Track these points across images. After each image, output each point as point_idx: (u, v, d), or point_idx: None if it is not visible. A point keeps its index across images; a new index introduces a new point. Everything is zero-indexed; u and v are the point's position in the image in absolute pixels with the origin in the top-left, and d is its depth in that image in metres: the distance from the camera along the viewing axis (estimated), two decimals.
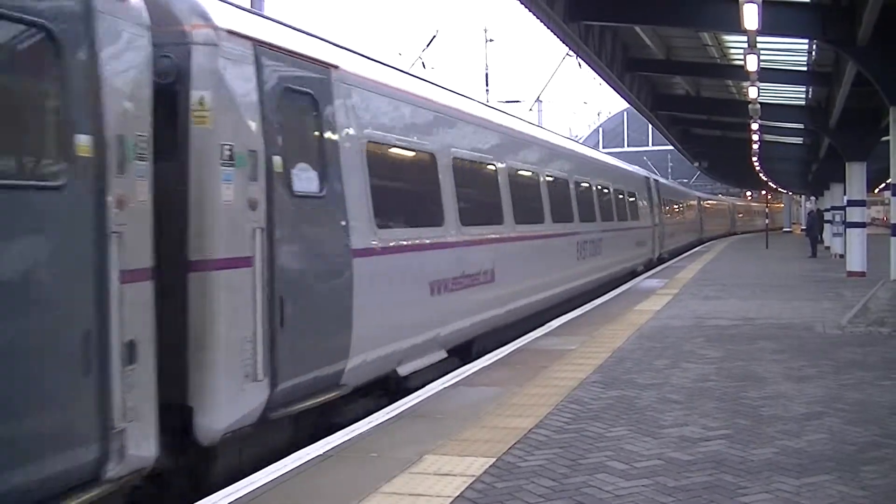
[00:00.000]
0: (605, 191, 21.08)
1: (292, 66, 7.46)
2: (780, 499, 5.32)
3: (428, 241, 10.08)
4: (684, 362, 10.10)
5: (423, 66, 31.43)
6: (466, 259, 11.14)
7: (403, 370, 9.30)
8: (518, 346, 11.61)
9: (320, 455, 6.47)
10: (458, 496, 5.47)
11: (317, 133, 7.82)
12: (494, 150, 13.01)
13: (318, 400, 7.44)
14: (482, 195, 12.69)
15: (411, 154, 10.19)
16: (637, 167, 29.90)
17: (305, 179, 7.45)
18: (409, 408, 8.02)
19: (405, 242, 9.50)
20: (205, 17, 6.46)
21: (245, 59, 6.76)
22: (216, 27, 6.48)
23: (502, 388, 8.76)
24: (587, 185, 19.07)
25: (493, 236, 12.38)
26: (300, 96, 7.57)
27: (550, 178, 15.77)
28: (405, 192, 10.33)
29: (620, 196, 23.21)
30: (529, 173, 14.83)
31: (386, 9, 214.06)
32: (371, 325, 8.28)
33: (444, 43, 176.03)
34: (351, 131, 8.35)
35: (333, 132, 8.00)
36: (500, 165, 13.04)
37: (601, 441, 6.73)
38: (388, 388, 9.11)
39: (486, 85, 61.58)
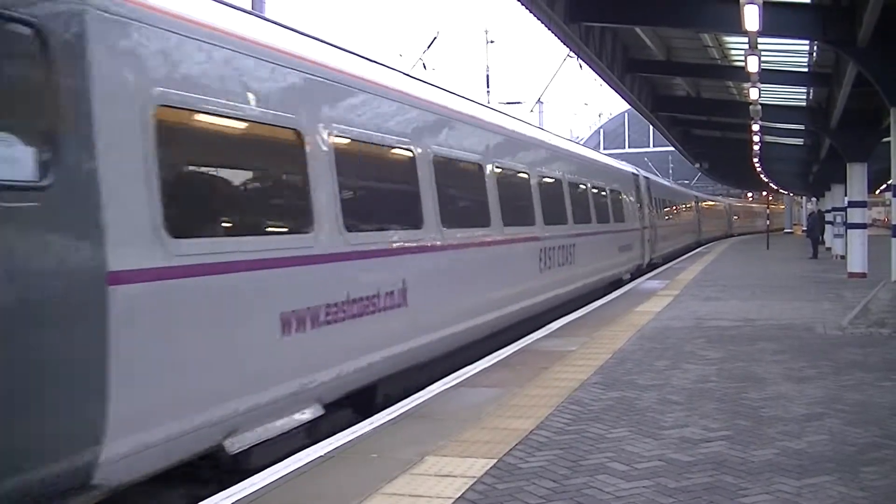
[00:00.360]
0: (580, 188, 17.99)
1: None
2: (781, 500, 5.32)
3: (276, 256, 6.87)
4: (685, 363, 10.10)
5: (424, 66, 31.47)
6: (355, 277, 8.07)
7: (235, 445, 6.37)
8: (519, 347, 11.61)
9: (321, 456, 6.47)
10: (459, 497, 5.48)
11: (43, 85, 4.96)
12: (407, 127, 9.67)
13: None
14: (386, 190, 9.73)
15: (247, 127, 6.89)
16: (625, 163, 27.41)
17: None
18: (410, 409, 8.02)
19: (228, 258, 6.30)
20: None
21: None
22: None
23: (503, 389, 8.76)
24: (555, 181, 15.84)
25: (405, 245, 9.28)
26: (5, 25, 4.78)
27: (501, 172, 12.66)
28: (234, 183, 7.21)
29: (601, 195, 19.96)
30: (468, 164, 11.68)
31: (387, 11, 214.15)
32: (154, 386, 5.57)
33: (446, 44, 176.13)
34: (122, 88, 5.50)
35: (83, 87, 5.17)
36: (418, 151, 9.72)
37: (602, 442, 6.74)
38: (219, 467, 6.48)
39: (488, 86, 61.37)
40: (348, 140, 8.28)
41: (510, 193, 13.06)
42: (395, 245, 9.07)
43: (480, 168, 12.02)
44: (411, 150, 9.64)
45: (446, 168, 10.62)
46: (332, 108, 8.05)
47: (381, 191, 9.56)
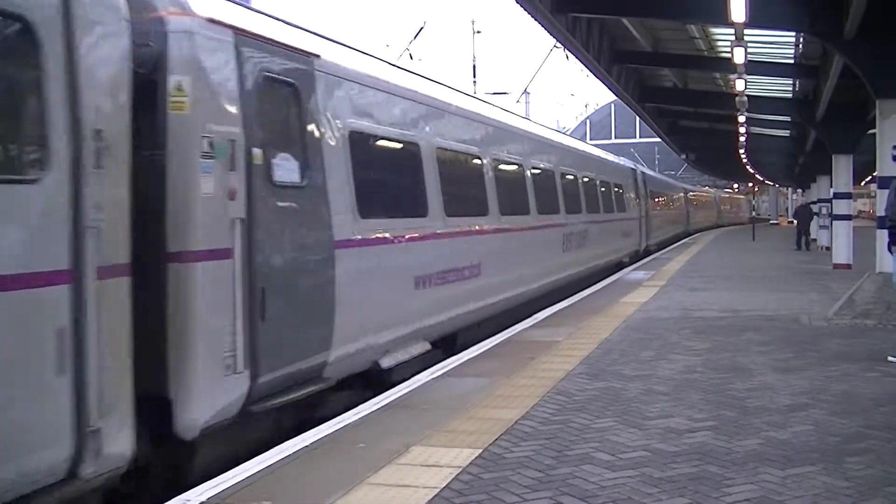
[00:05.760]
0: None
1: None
2: (765, 490, 5.34)
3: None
4: (671, 354, 10.12)
5: (411, 57, 31.43)
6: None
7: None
8: (505, 337, 11.61)
9: (308, 446, 6.47)
10: (444, 487, 5.48)
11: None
12: None
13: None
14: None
15: None
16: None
17: None
18: (396, 399, 8.01)
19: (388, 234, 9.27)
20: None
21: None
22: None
23: (489, 380, 8.76)
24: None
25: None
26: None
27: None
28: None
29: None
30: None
31: (373, 0, 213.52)
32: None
33: (432, 35, 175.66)
34: None
35: None
36: None
37: (587, 432, 6.75)
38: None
39: (474, 77, 61.24)
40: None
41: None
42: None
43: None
44: None
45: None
46: None
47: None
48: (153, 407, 5.93)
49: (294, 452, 6.30)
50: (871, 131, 22.14)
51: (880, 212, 17.58)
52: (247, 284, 6.56)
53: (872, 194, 39.80)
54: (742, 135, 38.92)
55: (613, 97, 40.84)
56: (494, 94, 43.74)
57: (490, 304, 12.49)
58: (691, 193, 56.36)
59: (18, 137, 4.98)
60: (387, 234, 9.23)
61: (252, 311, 6.60)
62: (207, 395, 6.23)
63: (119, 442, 5.31)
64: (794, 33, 21.81)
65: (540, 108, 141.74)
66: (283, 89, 7.47)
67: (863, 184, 66.69)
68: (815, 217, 35.09)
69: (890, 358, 9.53)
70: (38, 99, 4.85)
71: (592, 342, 10.98)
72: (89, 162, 5.08)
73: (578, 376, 8.89)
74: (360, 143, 8.73)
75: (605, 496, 5.27)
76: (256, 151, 6.78)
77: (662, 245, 35.52)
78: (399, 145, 10.16)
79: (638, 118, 53.57)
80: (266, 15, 7.69)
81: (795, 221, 38.04)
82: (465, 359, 10.02)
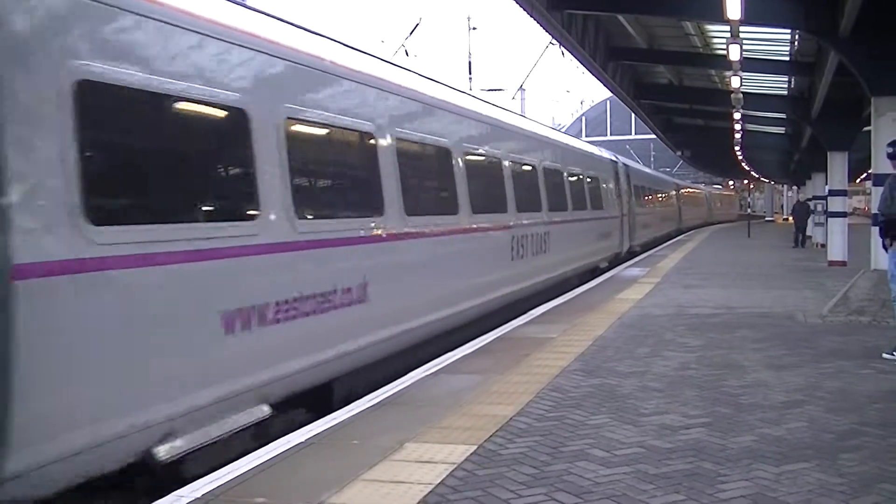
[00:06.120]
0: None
1: None
2: (760, 486, 5.34)
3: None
4: (665, 351, 10.12)
5: (407, 53, 31.38)
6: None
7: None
8: (499, 334, 11.60)
9: (301, 443, 6.45)
10: (439, 483, 5.47)
11: None
12: None
13: None
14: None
15: None
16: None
17: None
18: (390, 395, 8.00)
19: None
20: None
21: None
22: None
23: (483, 376, 8.75)
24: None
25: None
26: None
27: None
28: None
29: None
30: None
31: None
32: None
33: (428, 31, 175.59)
34: None
35: None
36: None
37: (582, 429, 6.74)
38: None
39: (470, 73, 61.02)
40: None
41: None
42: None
43: None
44: None
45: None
46: None
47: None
48: None
49: (287, 450, 6.29)
50: (866, 128, 22.15)
51: (875, 209, 17.61)
52: None
53: (868, 191, 39.87)
54: (737, 132, 38.97)
55: (609, 94, 40.93)
56: (490, 90, 43.73)
57: (388, 339, 9.24)
58: (683, 189, 56.90)
59: None
60: (155, 250, 5.74)
61: None
62: None
63: None
64: (789, 30, 21.82)
65: (536, 105, 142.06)
66: None
67: (858, 181, 66.81)
68: (811, 214, 35.13)
69: (884, 355, 9.53)
70: None
71: (587, 339, 10.97)
72: None
73: (573, 373, 8.88)
74: (104, 100, 5.55)
75: (599, 492, 5.26)
76: None
77: (650, 246, 32.97)
78: (200, 110, 6.57)
79: (634, 115, 53.67)
80: None
81: (792, 218, 38.10)
82: (459, 356, 10.01)
